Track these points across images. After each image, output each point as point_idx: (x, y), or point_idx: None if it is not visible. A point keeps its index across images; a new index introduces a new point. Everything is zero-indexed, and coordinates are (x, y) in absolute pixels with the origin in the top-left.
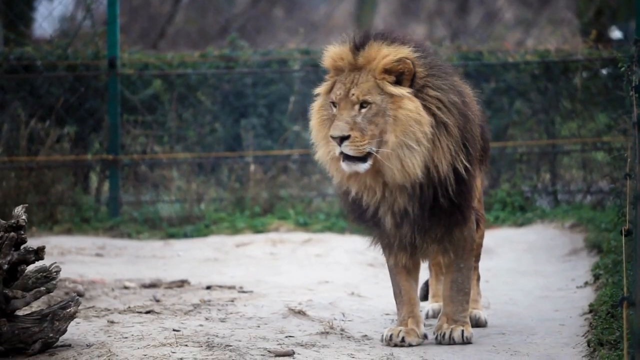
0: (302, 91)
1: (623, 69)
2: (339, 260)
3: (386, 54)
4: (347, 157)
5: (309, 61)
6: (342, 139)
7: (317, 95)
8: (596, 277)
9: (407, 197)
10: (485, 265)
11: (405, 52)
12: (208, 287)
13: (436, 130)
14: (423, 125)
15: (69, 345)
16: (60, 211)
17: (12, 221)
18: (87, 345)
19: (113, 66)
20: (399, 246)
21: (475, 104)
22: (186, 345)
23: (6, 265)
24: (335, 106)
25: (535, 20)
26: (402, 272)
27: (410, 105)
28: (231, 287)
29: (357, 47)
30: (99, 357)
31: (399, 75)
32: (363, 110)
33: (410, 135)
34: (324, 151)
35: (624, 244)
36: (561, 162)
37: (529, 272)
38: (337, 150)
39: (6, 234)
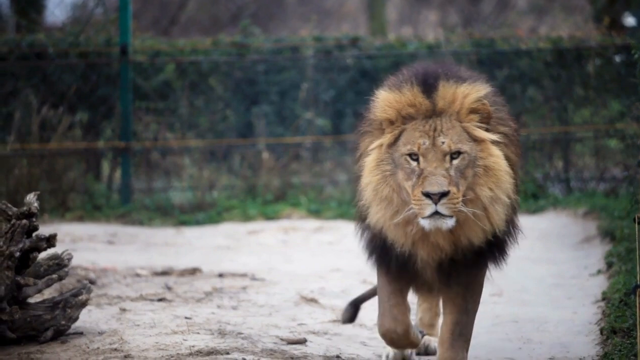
0: (315, 78)
1: (637, 55)
2: (350, 248)
3: (466, 92)
4: (436, 214)
5: (321, 48)
6: (441, 196)
7: (373, 149)
8: (609, 265)
9: (468, 251)
10: None
11: (483, 89)
12: (220, 275)
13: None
14: (509, 173)
15: (81, 333)
16: (72, 198)
17: (24, 208)
18: (99, 333)
19: (125, 53)
20: (416, 286)
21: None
22: (198, 333)
23: (18, 253)
24: (413, 159)
25: (548, 7)
26: (401, 304)
27: (497, 152)
28: (243, 275)
29: (430, 90)
30: (111, 344)
31: (481, 116)
32: (455, 162)
33: (502, 187)
34: (384, 213)
35: (637, 232)
36: (574, 149)
37: (542, 259)
38: (430, 209)
39: (18, 222)
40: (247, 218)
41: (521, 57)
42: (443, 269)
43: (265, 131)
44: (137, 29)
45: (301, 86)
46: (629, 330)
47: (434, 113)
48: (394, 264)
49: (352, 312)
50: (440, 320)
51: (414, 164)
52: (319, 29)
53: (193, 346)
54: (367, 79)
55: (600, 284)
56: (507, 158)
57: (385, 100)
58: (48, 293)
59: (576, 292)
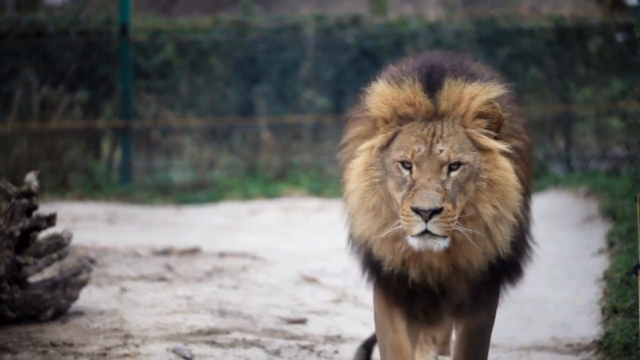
0: (315, 57)
1: (639, 34)
2: None
3: (474, 93)
4: (426, 232)
5: (322, 27)
6: (432, 214)
7: (362, 150)
8: (610, 244)
9: (471, 277)
10: None
11: (496, 91)
12: (220, 255)
13: None
14: (518, 189)
15: (81, 312)
16: (72, 178)
17: (24, 188)
18: (100, 313)
19: (125, 32)
20: (417, 313)
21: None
22: (198, 312)
23: (18, 232)
24: (406, 167)
25: None
26: (403, 331)
27: (506, 164)
28: (243, 254)
29: (433, 88)
30: (111, 324)
31: (489, 122)
32: (453, 174)
33: (509, 204)
34: (370, 225)
35: (638, 211)
36: (576, 128)
37: (543, 239)
38: (419, 227)
39: (18, 201)
40: (247, 197)
41: (523, 36)
42: (446, 292)
43: (266, 110)
44: (137, 7)
45: (302, 65)
46: (631, 310)
47: (435, 115)
48: (392, 284)
49: (364, 355)
50: (454, 336)
51: (406, 173)
52: (320, 7)
53: (193, 326)
54: (368, 57)
55: (601, 263)
56: (517, 174)
57: (381, 95)
58: (48, 272)
59: (577, 272)
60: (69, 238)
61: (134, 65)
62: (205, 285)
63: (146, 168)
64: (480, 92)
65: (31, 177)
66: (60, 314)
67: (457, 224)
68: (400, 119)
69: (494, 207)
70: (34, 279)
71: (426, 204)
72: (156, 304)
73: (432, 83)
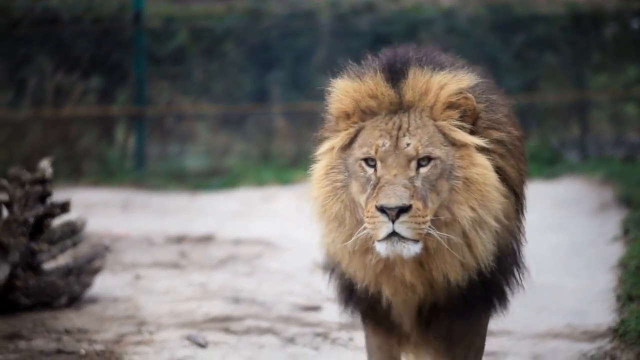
0: (330, 44)
1: None
2: None
3: (443, 82)
4: (394, 235)
5: (336, 13)
6: (400, 212)
7: (322, 153)
8: (625, 231)
9: (449, 294)
10: None
11: (467, 79)
12: (234, 242)
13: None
14: (499, 189)
15: (96, 299)
16: (86, 164)
17: (38, 175)
18: (114, 300)
19: (138, 18)
20: (399, 341)
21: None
22: (212, 299)
23: (32, 219)
24: (370, 165)
25: None
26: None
27: (483, 160)
28: (257, 241)
29: (396, 78)
30: (125, 311)
31: (462, 114)
32: (423, 170)
33: (489, 206)
34: (335, 237)
35: None
36: (591, 115)
37: (558, 226)
38: (386, 229)
39: (32, 188)
40: (261, 183)
41: (537, 22)
42: (424, 318)
43: (280, 97)
44: None
45: (316, 52)
46: None
47: (400, 107)
48: (367, 308)
49: None
50: None
51: (370, 171)
52: None
53: (208, 313)
54: (382, 44)
55: (616, 251)
56: (503, 172)
57: (341, 89)
58: (62, 259)
59: (592, 259)
60: (83, 225)
61: (148, 51)
62: (220, 272)
63: (160, 154)
64: (450, 81)
65: (45, 164)
66: (75, 300)
67: (429, 227)
68: (363, 113)
69: (472, 209)
70: (48, 265)
71: (392, 201)
72: (170, 291)
73: (395, 73)
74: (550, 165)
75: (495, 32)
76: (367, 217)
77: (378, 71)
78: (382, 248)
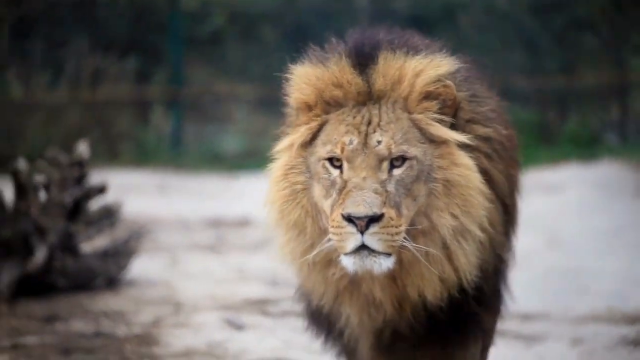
0: (367, 26)
1: None
2: None
3: (419, 68)
4: (363, 248)
5: None
6: (370, 222)
7: (280, 151)
8: None
9: (419, 315)
10: (552, 201)
11: (447, 64)
12: None
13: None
14: (484, 193)
15: (132, 282)
16: (123, 146)
17: (75, 157)
18: (150, 282)
19: (175, 0)
20: None
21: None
22: (249, 282)
23: (70, 201)
24: (335, 166)
25: None
26: None
27: (466, 159)
28: None
29: (364, 64)
30: (162, 293)
31: (441, 105)
32: (396, 172)
33: (473, 213)
34: (293, 248)
35: None
36: (631, 96)
37: (597, 209)
38: (353, 241)
39: (69, 170)
40: None
41: (577, 3)
42: (384, 345)
43: None
44: None
45: None
46: None
47: (369, 98)
48: (339, 342)
49: None
50: None
51: (335, 172)
52: None
53: (245, 295)
54: (420, 26)
55: None
56: (488, 176)
57: (301, 77)
58: (99, 241)
59: (632, 242)
60: (120, 207)
61: (185, 33)
62: (256, 256)
63: (196, 137)
64: (427, 66)
65: (82, 147)
66: (112, 282)
67: (404, 239)
68: (326, 105)
69: (453, 216)
70: (85, 247)
71: (361, 209)
72: (207, 273)
73: (363, 57)
74: (589, 147)
75: (535, 13)
76: (332, 226)
77: (343, 56)
78: (349, 263)
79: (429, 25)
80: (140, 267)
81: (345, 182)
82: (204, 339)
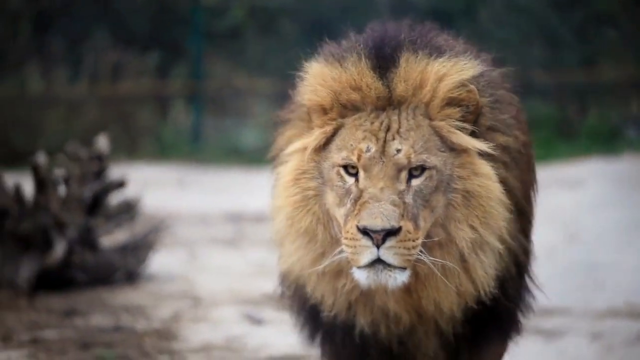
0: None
1: None
2: None
3: (442, 72)
4: (378, 262)
5: None
6: (386, 235)
7: (291, 153)
8: None
9: (442, 329)
10: (572, 196)
11: (472, 68)
12: None
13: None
14: (504, 204)
15: (152, 276)
16: (143, 139)
17: (94, 151)
18: (170, 277)
19: None
20: None
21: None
22: (268, 277)
23: (89, 196)
24: (350, 173)
25: None
26: None
27: (487, 169)
28: None
29: (385, 65)
30: (181, 288)
31: (464, 112)
32: (415, 183)
33: (492, 225)
34: (302, 256)
35: None
36: None
37: (618, 204)
38: (369, 255)
39: (89, 164)
40: None
41: None
42: (411, 353)
43: None
44: None
45: None
46: None
47: (389, 103)
48: (336, 338)
49: None
50: None
51: (351, 181)
52: None
53: (264, 290)
54: (442, 21)
55: None
56: (505, 184)
57: (317, 76)
58: (118, 236)
59: None
60: (139, 201)
61: (205, 28)
62: (276, 250)
63: (216, 131)
64: (451, 70)
65: (102, 141)
66: (131, 276)
67: (420, 252)
68: (343, 108)
69: (472, 228)
70: (104, 242)
71: (378, 222)
72: (226, 268)
73: (384, 59)
74: (609, 142)
75: (555, 7)
76: (346, 238)
77: (363, 57)
78: (362, 277)
79: (450, 19)
80: (159, 261)
81: (361, 192)
82: (222, 334)
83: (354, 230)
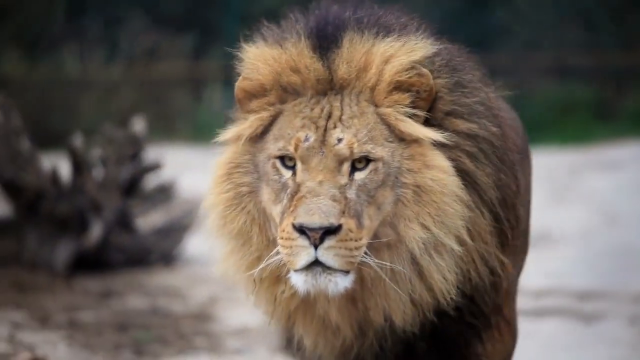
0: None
1: None
2: None
3: (389, 53)
4: (316, 264)
5: None
6: (325, 234)
7: (224, 141)
8: None
9: (386, 342)
10: (610, 178)
11: (421, 48)
12: None
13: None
14: (462, 200)
15: (188, 259)
16: (178, 122)
17: (130, 133)
18: (205, 260)
19: None
20: None
21: (516, 125)
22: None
23: (125, 178)
24: (287, 166)
25: None
26: None
27: (441, 161)
28: None
29: (326, 46)
30: (215, 272)
31: (414, 98)
32: (359, 176)
33: (446, 223)
34: (237, 260)
35: None
36: None
37: None
38: (306, 256)
39: (125, 147)
40: None
41: None
42: None
43: None
44: None
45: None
46: None
47: (331, 87)
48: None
49: None
50: None
51: (288, 174)
52: None
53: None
54: (477, 6)
55: None
56: (471, 179)
57: (255, 57)
58: (153, 217)
59: None
60: (174, 184)
61: (241, 10)
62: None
63: None
64: (399, 51)
65: (137, 123)
66: (166, 259)
67: (365, 254)
68: (283, 92)
69: (424, 227)
70: (140, 224)
71: (315, 219)
72: None
73: (325, 39)
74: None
75: None
76: (282, 238)
77: (302, 36)
78: (299, 281)
79: (486, 3)
80: (195, 244)
81: (298, 186)
82: (258, 317)
83: (290, 228)
